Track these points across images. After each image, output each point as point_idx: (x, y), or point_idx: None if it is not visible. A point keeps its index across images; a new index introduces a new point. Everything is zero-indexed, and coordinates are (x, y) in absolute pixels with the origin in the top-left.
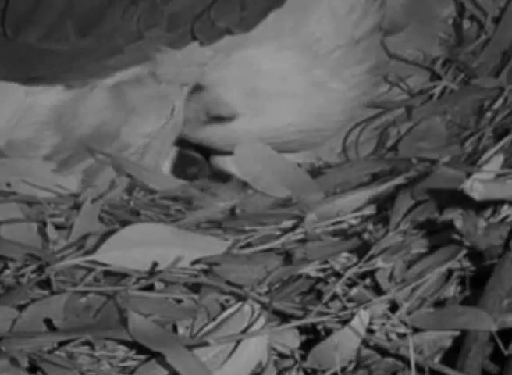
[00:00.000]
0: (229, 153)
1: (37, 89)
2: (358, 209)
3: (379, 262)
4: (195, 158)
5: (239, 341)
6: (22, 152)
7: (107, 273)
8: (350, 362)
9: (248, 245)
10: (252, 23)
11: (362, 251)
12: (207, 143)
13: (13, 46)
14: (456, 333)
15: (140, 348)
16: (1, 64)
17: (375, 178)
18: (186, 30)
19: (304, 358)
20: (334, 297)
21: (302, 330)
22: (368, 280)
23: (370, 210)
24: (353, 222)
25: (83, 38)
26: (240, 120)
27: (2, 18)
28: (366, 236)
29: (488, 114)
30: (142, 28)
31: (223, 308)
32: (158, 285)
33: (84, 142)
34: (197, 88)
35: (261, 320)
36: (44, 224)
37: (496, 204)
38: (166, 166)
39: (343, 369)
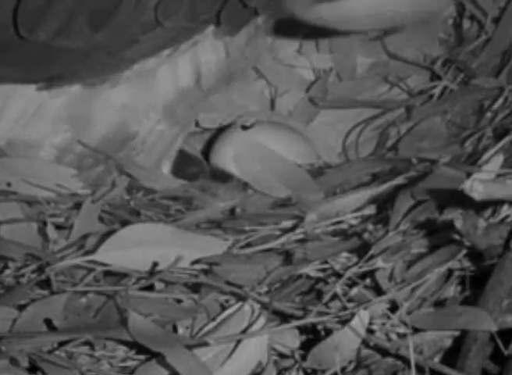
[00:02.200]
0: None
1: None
2: (358, 209)
3: (379, 262)
4: (195, 158)
5: (239, 341)
6: (30, 152)
7: (107, 273)
8: (350, 362)
9: (248, 245)
10: (278, 2)
11: (362, 251)
12: (319, 23)
13: (28, 47)
14: (456, 333)
15: (140, 348)
16: (17, 66)
17: (375, 178)
18: (211, 16)
19: (304, 358)
20: (334, 297)
21: (302, 330)
22: (368, 280)
23: (370, 210)
24: (353, 222)
25: (97, 32)
26: None
27: (14, 18)
28: (366, 236)
29: (488, 114)
30: (160, 17)
31: (223, 308)
32: (158, 285)
33: (100, 142)
34: None
35: (261, 320)
36: (44, 224)
37: (496, 204)
38: (166, 166)
39: (343, 369)
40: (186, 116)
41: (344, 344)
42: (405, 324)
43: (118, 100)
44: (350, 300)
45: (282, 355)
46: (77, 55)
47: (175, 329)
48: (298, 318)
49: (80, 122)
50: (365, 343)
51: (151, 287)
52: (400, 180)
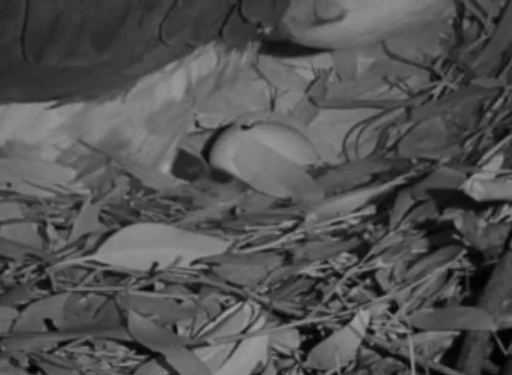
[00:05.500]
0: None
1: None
2: (358, 209)
3: (379, 262)
4: (195, 158)
5: (239, 341)
6: (30, 153)
7: (107, 273)
8: (350, 362)
9: (248, 245)
10: (280, 13)
11: (362, 251)
12: (317, 44)
13: (31, 68)
14: (456, 333)
15: (140, 348)
16: (22, 87)
17: (375, 178)
18: (214, 33)
19: (304, 358)
20: (334, 297)
21: (302, 330)
22: (368, 280)
23: (370, 210)
24: (353, 222)
25: (102, 53)
26: (352, 16)
27: (22, 44)
28: (366, 236)
29: (488, 114)
30: (164, 36)
31: (223, 308)
32: (158, 285)
33: (96, 147)
34: None
35: (261, 320)
36: (44, 224)
37: (496, 204)
38: (166, 166)
39: (343, 369)
40: (171, 127)
41: (344, 344)
42: (405, 324)
43: (112, 108)
44: (350, 300)
45: (282, 355)
46: (82, 74)
47: (175, 329)
48: (298, 318)
49: (79, 131)
50: (365, 343)
51: (151, 287)
52: (399, 180)
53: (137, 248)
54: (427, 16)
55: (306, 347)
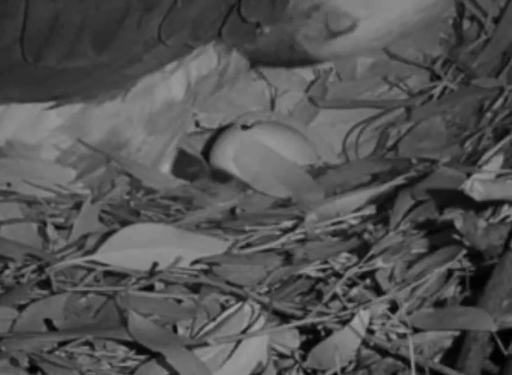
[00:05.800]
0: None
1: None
2: (358, 209)
3: (379, 262)
4: (195, 158)
5: (239, 341)
6: (31, 153)
7: (107, 273)
8: (350, 362)
9: (248, 245)
10: (279, 13)
11: (362, 251)
12: (335, 56)
13: (31, 68)
14: (457, 333)
15: (140, 348)
16: (21, 87)
17: (375, 178)
18: (213, 33)
19: (304, 358)
20: (334, 297)
21: (302, 330)
22: (368, 280)
23: (370, 210)
24: (353, 222)
25: (101, 53)
26: (364, 24)
27: (21, 45)
28: (366, 236)
29: (488, 114)
30: (163, 36)
31: (223, 308)
32: (158, 285)
33: (96, 147)
34: (314, 8)
35: (261, 320)
36: (44, 224)
37: (496, 204)
38: (166, 166)
39: (343, 369)
40: (171, 127)
41: (344, 344)
42: (405, 324)
43: (112, 108)
44: (350, 300)
45: (282, 355)
46: (81, 74)
47: (175, 329)
48: (298, 318)
49: (79, 131)
50: (365, 343)
51: (151, 287)
52: (399, 180)
53: (137, 248)
54: (435, 12)
55: (306, 347)
